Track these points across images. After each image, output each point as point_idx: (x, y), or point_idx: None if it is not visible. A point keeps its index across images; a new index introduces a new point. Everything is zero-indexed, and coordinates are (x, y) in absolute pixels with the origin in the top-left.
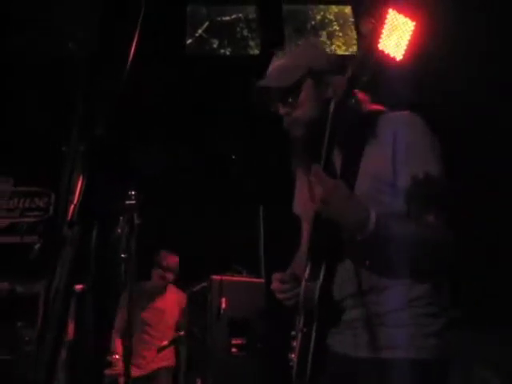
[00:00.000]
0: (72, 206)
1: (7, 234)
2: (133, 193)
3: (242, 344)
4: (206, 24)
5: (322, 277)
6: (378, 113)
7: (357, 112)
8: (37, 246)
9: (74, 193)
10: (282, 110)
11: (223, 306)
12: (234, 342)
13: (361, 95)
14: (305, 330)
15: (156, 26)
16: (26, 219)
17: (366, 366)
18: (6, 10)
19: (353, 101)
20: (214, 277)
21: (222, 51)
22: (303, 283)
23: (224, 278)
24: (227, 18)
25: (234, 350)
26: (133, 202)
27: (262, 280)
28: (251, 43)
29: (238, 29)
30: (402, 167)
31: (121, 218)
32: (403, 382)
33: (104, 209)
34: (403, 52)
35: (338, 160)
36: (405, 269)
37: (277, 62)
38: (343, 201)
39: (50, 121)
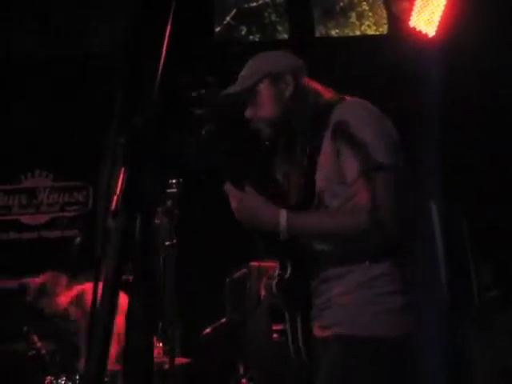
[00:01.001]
0: (115, 197)
1: (48, 229)
2: (173, 181)
3: (282, 330)
4: (234, 11)
5: (288, 269)
6: (333, 103)
7: (315, 105)
8: (77, 240)
9: (116, 183)
10: (246, 114)
11: (263, 292)
12: (274, 327)
13: (316, 86)
14: (289, 318)
15: (185, 15)
16: (66, 214)
17: (329, 344)
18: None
19: (311, 95)
20: (253, 263)
21: (251, 37)
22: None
23: (263, 264)
24: (254, 4)
25: (275, 335)
26: (174, 190)
27: None
28: (280, 28)
29: (266, 14)
30: (345, 160)
31: (159, 208)
32: (363, 357)
33: (146, 198)
34: (435, 28)
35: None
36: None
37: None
38: (251, 211)
39: (87, 115)
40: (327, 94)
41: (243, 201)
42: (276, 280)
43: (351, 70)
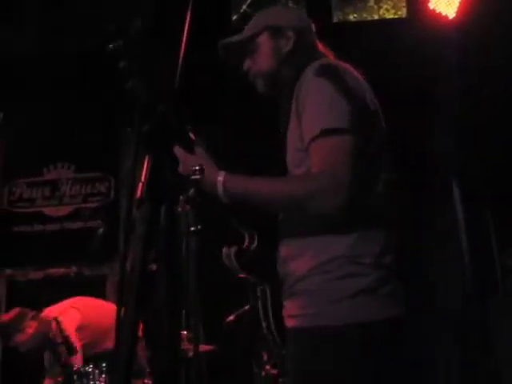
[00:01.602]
0: (140, 185)
1: (72, 220)
2: (196, 168)
3: None
4: None
5: (255, 241)
6: (307, 65)
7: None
8: (100, 231)
9: (139, 172)
10: (244, 66)
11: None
12: None
13: (323, 50)
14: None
15: (202, 4)
16: (89, 205)
17: (289, 337)
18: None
19: (310, 55)
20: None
21: None
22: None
23: None
24: None
25: None
26: (197, 176)
27: None
28: None
29: (283, 1)
30: (302, 126)
31: (180, 196)
32: (314, 350)
33: (170, 186)
34: (456, 10)
35: None
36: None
37: None
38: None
39: (107, 107)
40: (313, 55)
41: (186, 161)
42: (236, 249)
43: (370, 54)
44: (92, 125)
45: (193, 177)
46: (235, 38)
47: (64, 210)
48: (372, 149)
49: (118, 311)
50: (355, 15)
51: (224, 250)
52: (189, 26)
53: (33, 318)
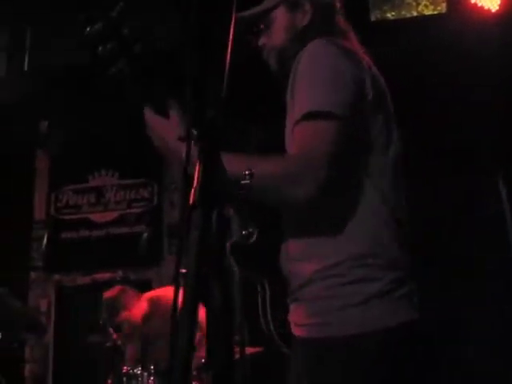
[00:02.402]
0: (192, 190)
1: (117, 226)
2: (246, 172)
3: None
4: None
5: (255, 235)
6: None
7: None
8: (145, 235)
9: (192, 177)
10: (260, 42)
11: None
12: None
13: (344, 28)
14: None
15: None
16: (133, 210)
17: (296, 345)
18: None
19: (324, 32)
20: None
21: None
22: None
23: None
24: None
25: None
26: (248, 181)
27: None
28: None
29: None
30: (293, 108)
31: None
32: (322, 362)
33: (222, 190)
34: (499, 2)
35: None
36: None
37: None
38: (158, 138)
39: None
40: (342, 37)
41: (153, 127)
42: (232, 242)
43: (409, 52)
44: (134, 132)
45: (243, 181)
46: (251, 12)
47: (109, 216)
48: (369, 138)
49: (173, 316)
50: (393, 13)
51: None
52: (234, 31)
53: (136, 299)
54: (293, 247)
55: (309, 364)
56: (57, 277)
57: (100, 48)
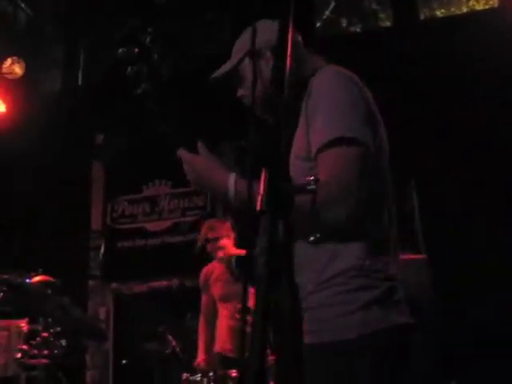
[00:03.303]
0: (259, 197)
1: (171, 234)
2: (311, 178)
3: None
4: (333, 4)
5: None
6: (314, 73)
7: (298, 77)
8: (199, 243)
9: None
10: (238, 93)
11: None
12: None
13: (305, 53)
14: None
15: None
16: (187, 218)
17: (306, 354)
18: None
19: (296, 66)
20: None
21: (352, 29)
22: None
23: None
24: None
25: None
26: (313, 187)
27: (422, 256)
28: (382, 16)
29: (366, 3)
30: (311, 135)
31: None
32: (329, 366)
33: (287, 196)
34: None
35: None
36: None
37: None
38: (201, 173)
39: (203, 122)
40: (316, 61)
41: (193, 162)
42: (237, 255)
43: (460, 49)
44: (186, 140)
45: (309, 187)
46: (221, 71)
47: (164, 225)
48: (379, 159)
49: (243, 318)
50: (443, 10)
51: (223, 255)
52: (291, 43)
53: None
54: (299, 257)
55: (318, 369)
56: (114, 285)
57: (129, 69)
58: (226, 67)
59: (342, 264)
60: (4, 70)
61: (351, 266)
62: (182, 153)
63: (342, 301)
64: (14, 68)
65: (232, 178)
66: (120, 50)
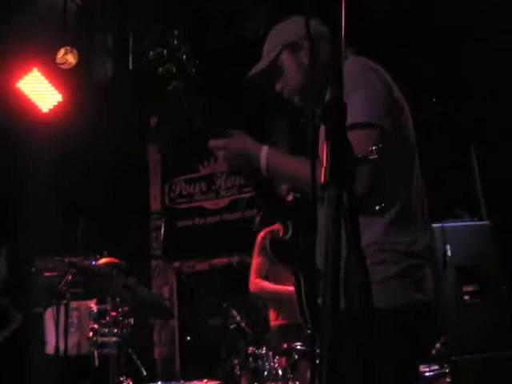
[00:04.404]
0: (323, 169)
1: (229, 211)
2: (373, 147)
3: (474, 291)
4: None
5: (289, 232)
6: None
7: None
8: (257, 219)
9: (321, 157)
10: (276, 88)
11: (449, 253)
12: (465, 289)
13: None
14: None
15: None
16: (244, 195)
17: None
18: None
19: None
20: (435, 225)
21: None
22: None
23: (446, 224)
24: None
25: (466, 297)
26: (375, 156)
27: (485, 222)
28: None
29: None
30: None
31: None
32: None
33: (351, 167)
34: None
35: None
36: None
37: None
38: (237, 151)
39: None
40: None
41: (228, 145)
42: (270, 238)
43: None
44: (238, 115)
45: (371, 156)
46: (258, 68)
47: (221, 203)
48: (403, 137)
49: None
50: None
51: (264, 238)
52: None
53: None
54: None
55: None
56: (176, 264)
57: (160, 69)
58: (262, 64)
59: (365, 238)
60: (58, 61)
61: (373, 241)
62: (213, 143)
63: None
64: (68, 58)
65: (264, 149)
66: (150, 54)
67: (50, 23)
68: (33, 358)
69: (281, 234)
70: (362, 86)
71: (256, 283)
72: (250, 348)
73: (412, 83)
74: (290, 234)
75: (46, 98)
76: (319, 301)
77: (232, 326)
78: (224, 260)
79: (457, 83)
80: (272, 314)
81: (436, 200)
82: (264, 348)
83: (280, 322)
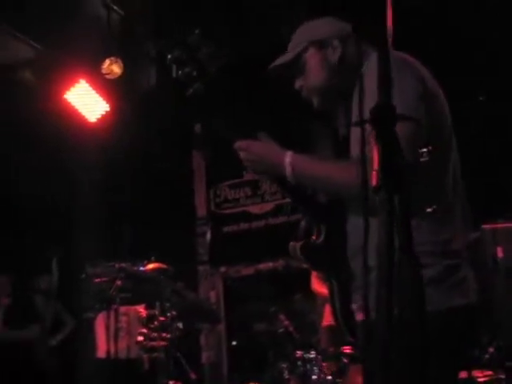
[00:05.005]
0: (374, 173)
1: (275, 216)
2: (424, 150)
3: None
4: None
5: (322, 235)
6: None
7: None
8: (302, 224)
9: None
10: (296, 85)
11: (500, 255)
12: None
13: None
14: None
15: None
16: (289, 200)
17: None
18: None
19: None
20: (486, 226)
21: None
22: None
23: (497, 226)
24: None
25: None
26: (426, 158)
27: None
28: None
29: None
30: None
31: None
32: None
33: (402, 172)
34: None
35: None
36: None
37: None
38: (258, 156)
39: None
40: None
41: (250, 147)
42: (302, 242)
43: None
44: (279, 123)
45: (422, 159)
46: (281, 61)
47: (267, 207)
48: (440, 129)
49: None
50: None
51: (291, 243)
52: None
53: None
54: (357, 239)
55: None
56: (223, 269)
57: (179, 72)
58: (285, 57)
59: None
60: (104, 71)
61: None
62: (238, 143)
63: None
64: (113, 68)
65: (288, 156)
66: (169, 56)
67: (94, 34)
68: (84, 361)
69: (314, 238)
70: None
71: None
72: (299, 352)
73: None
74: (322, 237)
75: (93, 108)
76: (353, 306)
77: (280, 331)
78: (270, 264)
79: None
80: (327, 312)
81: (487, 200)
82: (312, 352)
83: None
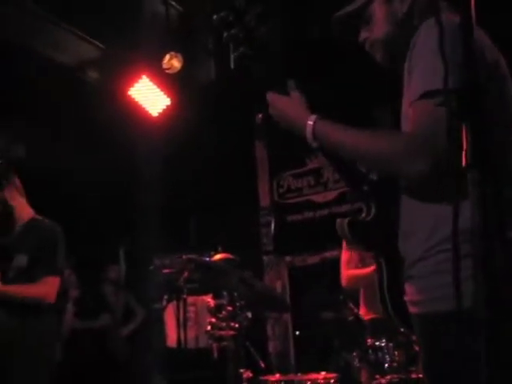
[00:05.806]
0: (463, 152)
1: (339, 204)
2: None
3: None
4: None
5: (372, 213)
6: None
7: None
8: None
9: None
10: (360, 38)
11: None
12: None
13: (443, 5)
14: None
15: None
16: None
17: (414, 325)
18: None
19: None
20: None
21: None
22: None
23: None
24: None
25: None
26: None
27: None
28: None
29: None
30: (407, 90)
31: None
32: (430, 336)
33: (491, 151)
34: None
35: None
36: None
37: None
38: (282, 112)
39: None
40: (426, 12)
41: (275, 102)
42: (350, 218)
43: None
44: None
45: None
46: (347, 10)
47: (330, 196)
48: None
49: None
50: None
51: (338, 220)
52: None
53: None
54: (405, 222)
55: (423, 340)
56: (288, 258)
57: (225, 34)
58: (352, 6)
59: (448, 228)
60: (164, 66)
61: (459, 229)
62: (269, 95)
63: (445, 269)
64: (173, 63)
65: (312, 118)
66: (215, 17)
67: (154, 31)
68: (155, 350)
69: (363, 216)
70: (431, 48)
71: (347, 274)
72: (369, 340)
73: None
74: (372, 215)
75: (155, 102)
76: (401, 286)
77: (350, 319)
78: (335, 253)
79: None
80: (362, 310)
81: None
82: (383, 340)
83: (371, 315)
